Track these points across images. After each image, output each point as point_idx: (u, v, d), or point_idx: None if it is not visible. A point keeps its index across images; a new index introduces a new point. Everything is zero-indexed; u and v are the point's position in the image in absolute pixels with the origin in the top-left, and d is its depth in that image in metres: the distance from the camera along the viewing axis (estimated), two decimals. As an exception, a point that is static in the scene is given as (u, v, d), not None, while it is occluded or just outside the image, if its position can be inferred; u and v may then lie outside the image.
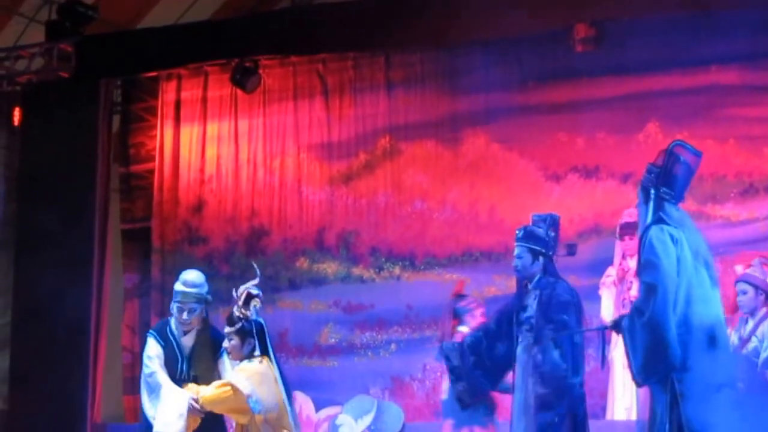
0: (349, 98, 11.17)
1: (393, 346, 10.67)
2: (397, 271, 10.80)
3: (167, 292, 11.11)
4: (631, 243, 8.71)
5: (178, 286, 7.89)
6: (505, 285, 10.16)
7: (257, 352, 7.50)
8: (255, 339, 7.48)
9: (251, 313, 7.55)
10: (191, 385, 7.39)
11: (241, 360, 7.60)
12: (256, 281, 7.72)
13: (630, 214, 8.79)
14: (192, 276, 7.95)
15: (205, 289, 7.90)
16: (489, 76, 10.66)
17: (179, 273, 11.06)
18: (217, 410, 7.31)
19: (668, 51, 10.03)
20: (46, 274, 10.68)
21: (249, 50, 10.79)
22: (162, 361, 7.82)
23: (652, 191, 6.89)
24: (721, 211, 9.89)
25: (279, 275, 11.19)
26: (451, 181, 10.79)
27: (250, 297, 7.60)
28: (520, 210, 10.30)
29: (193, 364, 7.81)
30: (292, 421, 7.66)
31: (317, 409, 10.50)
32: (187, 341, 7.88)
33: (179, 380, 7.78)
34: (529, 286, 7.45)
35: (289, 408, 7.80)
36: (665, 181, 6.89)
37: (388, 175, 10.97)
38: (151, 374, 7.86)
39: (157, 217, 11.59)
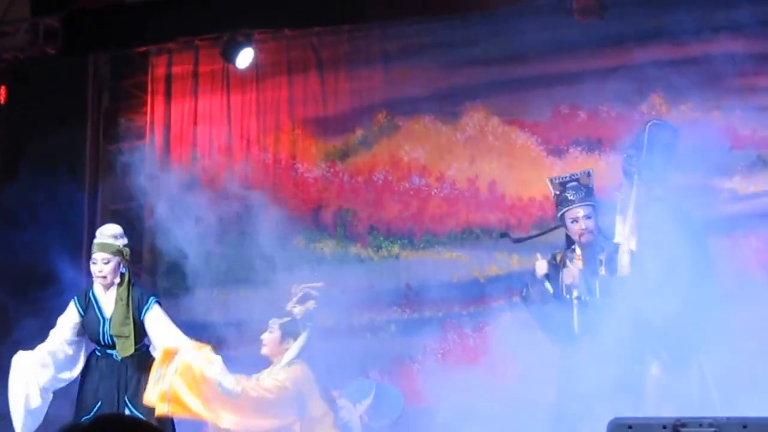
0: (344, 72, 10.95)
1: (392, 327, 10.50)
2: (395, 249, 10.61)
3: (158, 274, 11.01)
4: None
5: (96, 239, 7.91)
6: (507, 263, 10.04)
7: (294, 358, 7.42)
8: (293, 341, 7.41)
9: (301, 314, 7.44)
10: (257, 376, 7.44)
11: (273, 357, 7.50)
12: (320, 284, 7.57)
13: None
14: (109, 228, 8.03)
15: (123, 241, 7.89)
16: (488, 48, 10.45)
17: (170, 254, 11.14)
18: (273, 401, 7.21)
19: (672, 20, 9.76)
20: (34, 256, 10.56)
21: (240, 24, 10.55)
22: (72, 328, 7.84)
23: (636, 175, 6.92)
24: (729, 184, 9.71)
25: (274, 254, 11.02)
26: (450, 156, 10.59)
27: (308, 296, 7.47)
28: (521, 186, 10.22)
29: (112, 324, 7.71)
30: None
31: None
32: (108, 300, 7.81)
33: (103, 344, 7.77)
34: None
35: (332, 414, 7.76)
36: (646, 163, 6.93)
37: (385, 151, 10.77)
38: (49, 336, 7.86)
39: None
